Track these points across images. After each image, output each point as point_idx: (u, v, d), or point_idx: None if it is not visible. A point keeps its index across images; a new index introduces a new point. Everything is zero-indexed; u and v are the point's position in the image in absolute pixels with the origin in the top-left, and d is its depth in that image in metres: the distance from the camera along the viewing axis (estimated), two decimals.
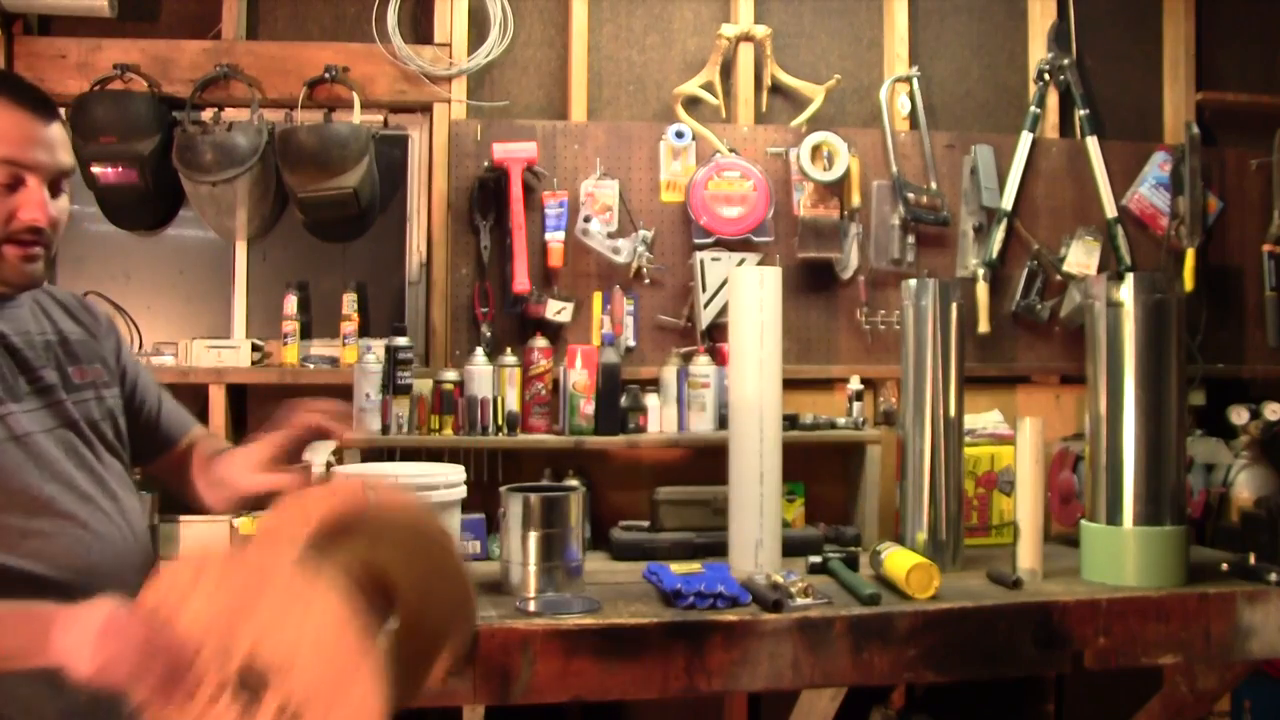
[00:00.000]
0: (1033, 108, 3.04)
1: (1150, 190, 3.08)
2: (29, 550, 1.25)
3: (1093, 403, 2.35)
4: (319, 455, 2.26)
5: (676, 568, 2.20)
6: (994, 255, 2.96)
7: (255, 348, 2.74)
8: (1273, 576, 2.19)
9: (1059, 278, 3.01)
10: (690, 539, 2.49)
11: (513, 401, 2.64)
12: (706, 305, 2.82)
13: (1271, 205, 3.10)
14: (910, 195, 2.91)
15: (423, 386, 2.61)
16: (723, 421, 2.68)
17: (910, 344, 2.48)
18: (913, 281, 2.51)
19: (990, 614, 2.06)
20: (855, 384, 2.81)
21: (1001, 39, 3.14)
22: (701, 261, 2.83)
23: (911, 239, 2.94)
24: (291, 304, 2.74)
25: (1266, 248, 3.07)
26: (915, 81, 3.01)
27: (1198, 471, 2.80)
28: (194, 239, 2.87)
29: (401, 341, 2.59)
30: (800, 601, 2.02)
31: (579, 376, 2.62)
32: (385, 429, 2.54)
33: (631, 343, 2.84)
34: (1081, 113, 3.05)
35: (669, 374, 2.75)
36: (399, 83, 2.81)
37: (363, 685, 0.98)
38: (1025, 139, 3.01)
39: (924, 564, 2.10)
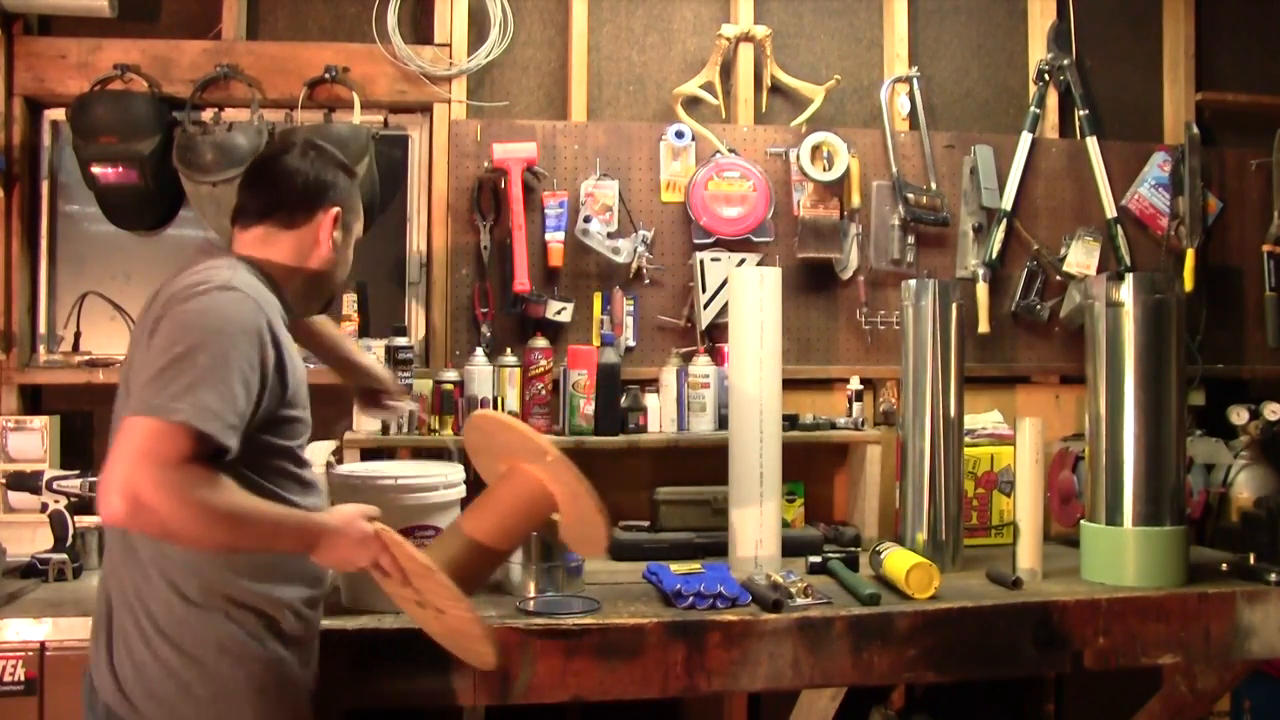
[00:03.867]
0: (1033, 108, 3.04)
1: (1150, 190, 3.08)
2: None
3: (1093, 403, 2.35)
4: (318, 455, 2.26)
5: (676, 568, 2.20)
6: (994, 255, 2.96)
7: None
8: (1272, 576, 2.20)
9: (1059, 278, 3.01)
10: (690, 539, 2.49)
11: (513, 401, 2.64)
12: (706, 305, 2.82)
13: (1271, 205, 3.10)
14: (910, 195, 2.91)
15: (423, 386, 2.61)
16: (723, 421, 2.68)
17: (910, 344, 2.49)
18: (913, 281, 2.51)
19: (990, 614, 2.06)
20: (855, 384, 2.81)
21: (1001, 39, 3.14)
22: (701, 261, 2.83)
23: (911, 239, 2.94)
24: None
25: (1266, 248, 3.08)
26: (915, 81, 3.01)
27: (1198, 471, 2.80)
28: (194, 239, 2.86)
29: (401, 341, 2.59)
30: (800, 601, 2.02)
31: (579, 376, 2.62)
32: (385, 429, 2.54)
33: (631, 343, 2.83)
34: (1081, 113, 3.05)
35: (669, 374, 2.75)
36: (399, 83, 2.81)
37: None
38: (1025, 139, 3.01)
39: (924, 564, 2.11)
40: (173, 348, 1.38)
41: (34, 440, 2.55)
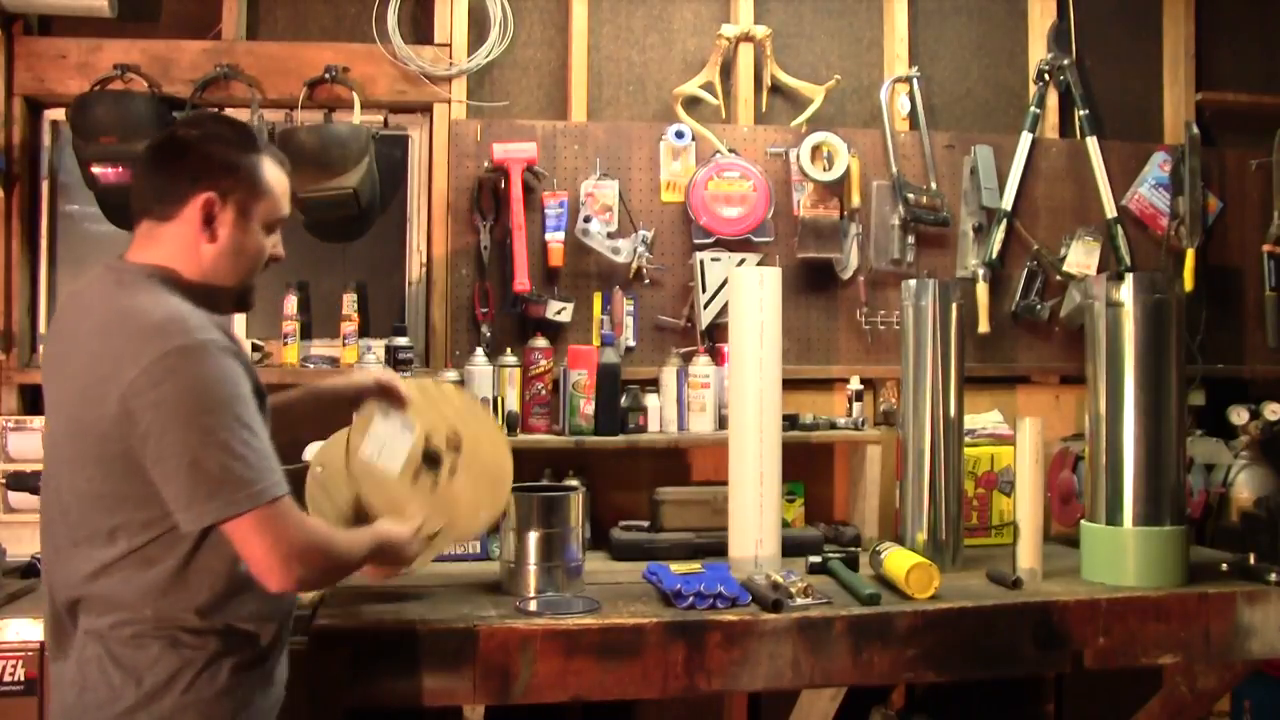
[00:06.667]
0: (1033, 108, 3.04)
1: (1150, 190, 3.08)
2: None
3: (1093, 403, 2.35)
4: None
5: (676, 568, 2.20)
6: (994, 255, 2.96)
7: (255, 348, 2.73)
8: (1273, 576, 2.20)
9: (1059, 278, 3.01)
10: (690, 539, 2.49)
11: (513, 401, 2.64)
12: (706, 305, 2.82)
13: (1271, 205, 3.10)
14: (910, 195, 2.91)
15: None
16: (723, 421, 2.68)
17: (910, 344, 2.49)
18: (913, 281, 2.51)
19: (990, 614, 2.06)
20: (855, 384, 2.81)
21: (1001, 39, 3.14)
22: (701, 261, 2.83)
23: (911, 239, 2.94)
24: (292, 304, 2.73)
25: (1266, 248, 3.07)
26: (915, 82, 3.00)
27: (1198, 471, 2.80)
28: None
29: (401, 341, 2.59)
30: (800, 601, 2.02)
31: (579, 376, 2.62)
32: None
33: (631, 343, 2.83)
34: (1081, 113, 3.05)
35: (669, 374, 2.75)
36: (399, 83, 2.81)
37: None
38: (1025, 139, 3.01)
39: (924, 564, 2.11)
40: (204, 438, 1.31)
41: (34, 440, 2.54)
